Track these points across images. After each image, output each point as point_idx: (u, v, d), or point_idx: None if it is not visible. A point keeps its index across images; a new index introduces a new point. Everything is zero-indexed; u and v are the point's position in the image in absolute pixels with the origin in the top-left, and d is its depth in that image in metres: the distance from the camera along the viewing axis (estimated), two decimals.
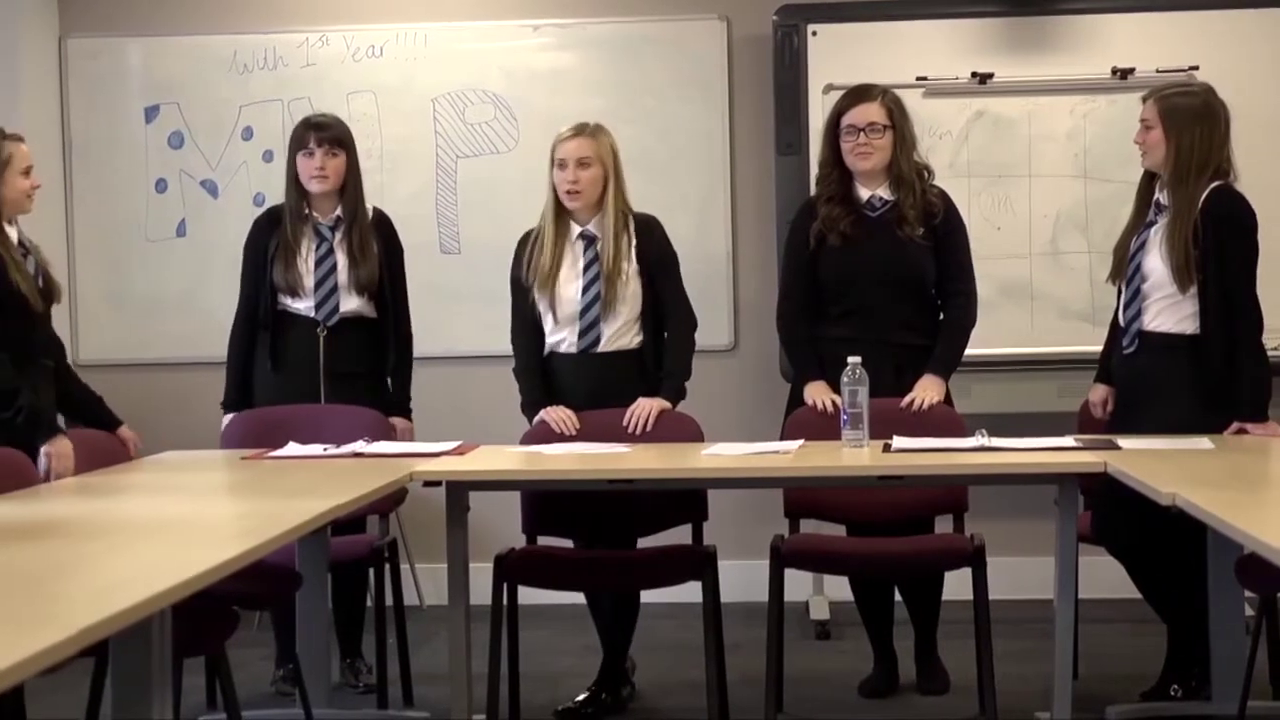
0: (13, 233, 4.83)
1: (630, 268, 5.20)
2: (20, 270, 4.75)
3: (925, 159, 5.34)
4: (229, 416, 5.45)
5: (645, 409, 5.11)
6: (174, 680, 3.64)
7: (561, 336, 5.21)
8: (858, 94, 5.24)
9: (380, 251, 5.48)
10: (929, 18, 6.62)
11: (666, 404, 5.16)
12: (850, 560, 5.18)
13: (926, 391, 5.09)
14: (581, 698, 5.18)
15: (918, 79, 6.49)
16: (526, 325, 5.27)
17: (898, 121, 5.20)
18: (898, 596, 5.36)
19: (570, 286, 5.19)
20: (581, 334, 5.19)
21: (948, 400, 5.19)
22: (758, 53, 6.81)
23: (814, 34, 6.62)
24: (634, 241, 5.23)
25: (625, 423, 5.08)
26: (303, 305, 5.41)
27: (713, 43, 6.89)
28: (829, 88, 6.37)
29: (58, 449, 4.68)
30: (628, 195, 5.27)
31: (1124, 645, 5.72)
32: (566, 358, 5.22)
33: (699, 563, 4.82)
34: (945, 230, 5.22)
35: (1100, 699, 4.99)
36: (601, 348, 5.20)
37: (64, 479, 4.54)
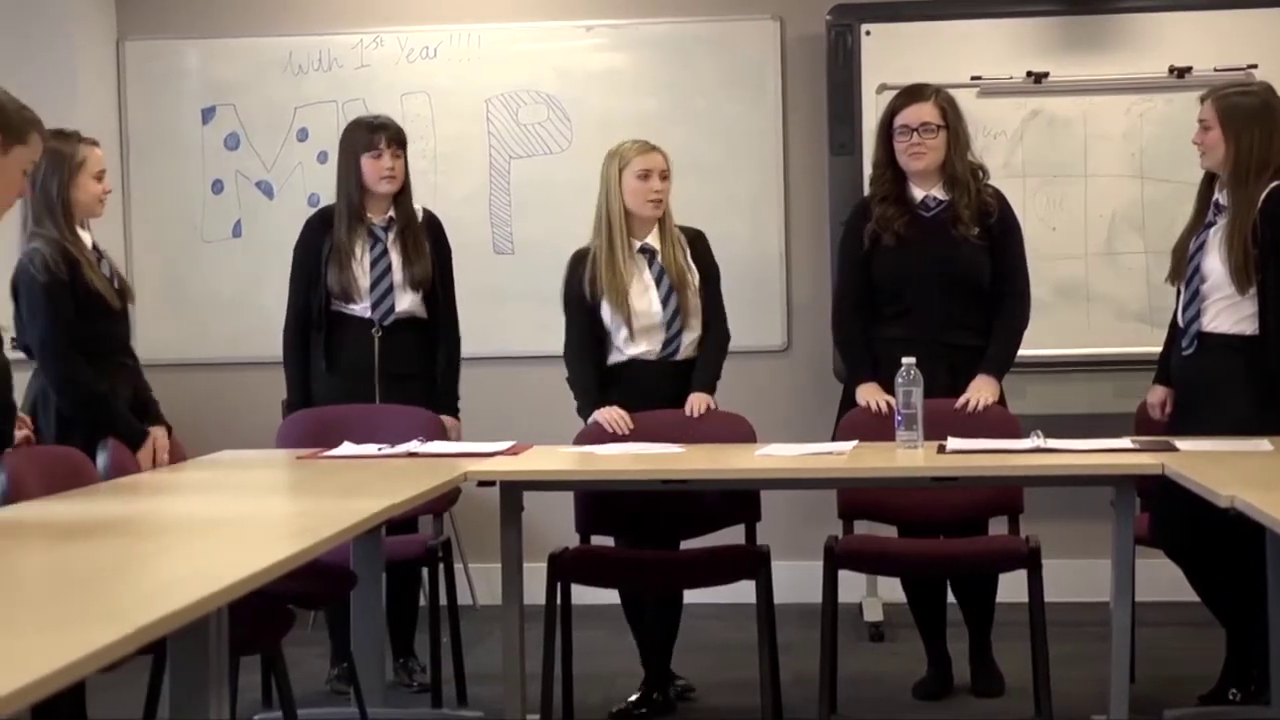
0: (86, 237, 4.87)
1: (695, 278, 5.24)
2: (95, 270, 4.78)
3: (980, 159, 5.31)
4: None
5: (702, 402, 5.12)
6: (230, 678, 3.66)
7: (642, 348, 5.23)
8: (911, 93, 5.23)
9: (431, 250, 5.50)
10: (984, 17, 6.58)
11: (710, 398, 5.19)
12: (905, 561, 5.17)
13: (981, 392, 5.07)
14: (634, 698, 5.17)
15: (972, 78, 6.46)
16: (586, 341, 5.26)
17: (951, 121, 5.18)
18: (951, 598, 5.34)
19: (644, 299, 5.21)
20: (665, 344, 5.23)
21: (1001, 401, 5.16)
22: (811, 53, 6.78)
23: (868, 33, 6.59)
24: (688, 252, 5.27)
25: (689, 409, 5.11)
26: (357, 308, 5.43)
27: (766, 43, 6.87)
28: (883, 88, 6.33)
29: (155, 441, 4.77)
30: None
31: (1181, 648, 5.68)
32: (649, 365, 5.24)
33: (753, 562, 4.81)
34: (1000, 230, 5.19)
35: (1157, 702, 4.95)
36: (679, 356, 5.26)
37: (123, 479, 4.56)
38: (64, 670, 2.14)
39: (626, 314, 5.19)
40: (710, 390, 5.22)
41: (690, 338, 5.25)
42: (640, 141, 5.27)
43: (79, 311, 4.74)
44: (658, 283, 5.23)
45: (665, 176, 5.22)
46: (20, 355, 4.73)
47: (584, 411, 5.22)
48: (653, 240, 5.25)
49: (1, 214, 3.75)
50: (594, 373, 5.25)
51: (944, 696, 5.29)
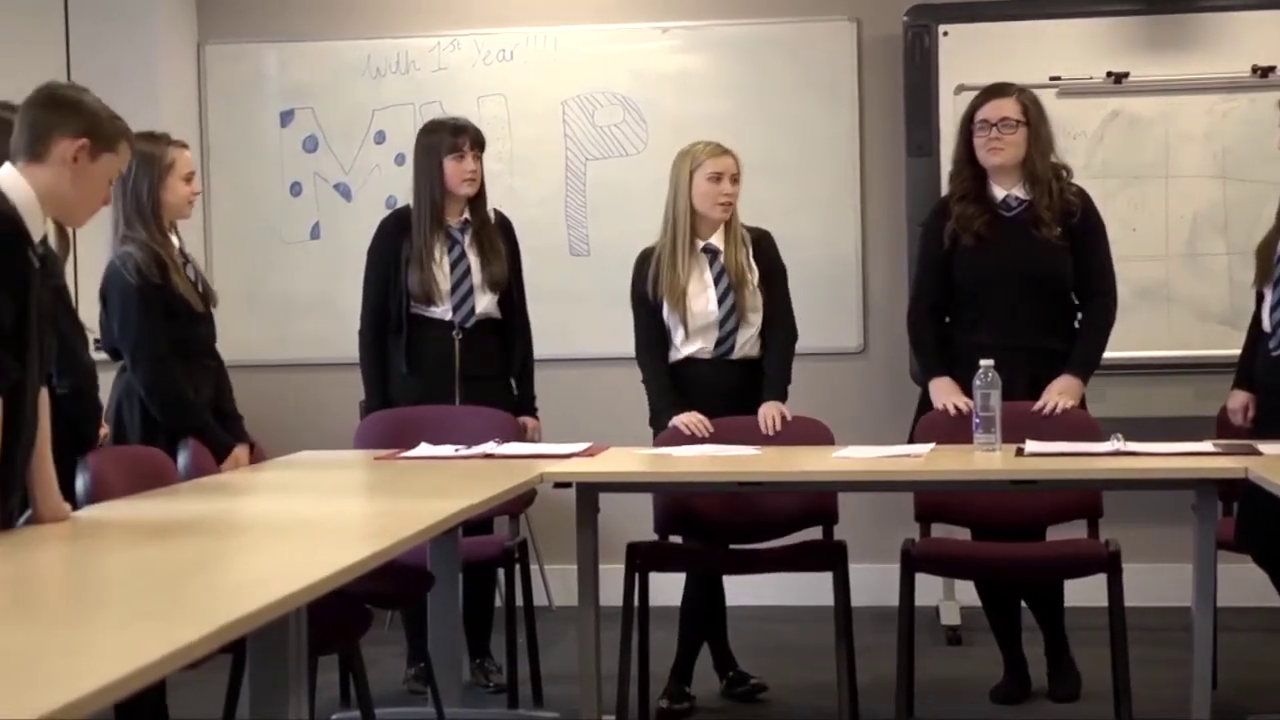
0: (173, 240, 4.91)
1: (755, 277, 5.23)
2: (180, 273, 4.82)
3: (1063, 160, 5.27)
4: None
5: (775, 412, 5.11)
6: (309, 678, 3.69)
7: (697, 346, 5.24)
8: (993, 90, 5.21)
9: (505, 251, 5.52)
10: (1063, 17, 6.53)
11: (784, 406, 5.15)
12: (983, 565, 5.14)
13: (1062, 395, 5.02)
14: (674, 705, 5.19)
15: (1051, 79, 6.40)
16: (653, 338, 5.29)
17: (1032, 119, 5.14)
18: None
19: (701, 298, 5.22)
20: (718, 343, 5.23)
21: (1083, 404, 5.11)
22: (888, 53, 6.76)
23: (945, 34, 6.56)
24: (751, 251, 5.26)
25: (763, 427, 5.08)
26: (438, 310, 5.44)
27: (842, 44, 6.85)
28: (960, 88, 6.31)
29: (238, 459, 4.82)
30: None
31: (1264, 654, 5.62)
32: (703, 363, 5.25)
33: (831, 554, 4.82)
34: (1084, 230, 5.15)
35: (1239, 709, 4.90)
36: (734, 356, 5.24)
37: (204, 479, 4.60)
38: (147, 668, 2.16)
39: (683, 312, 5.22)
40: (782, 397, 5.20)
41: (745, 336, 5.25)
42: (713, 144, 5.27)
43: (167, 315, 4.78)
44: (716, 282, 5.23)
45: (736, 180, 5.23)
46: (102, 356, 4.77)
47: (657, 407, 5.23)
48: (716, 240, 5.26)
49: (86, 220, 3.78)
50: (665, 369, 5.26)
51: (1022, 700, 5.25)
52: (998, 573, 5.17)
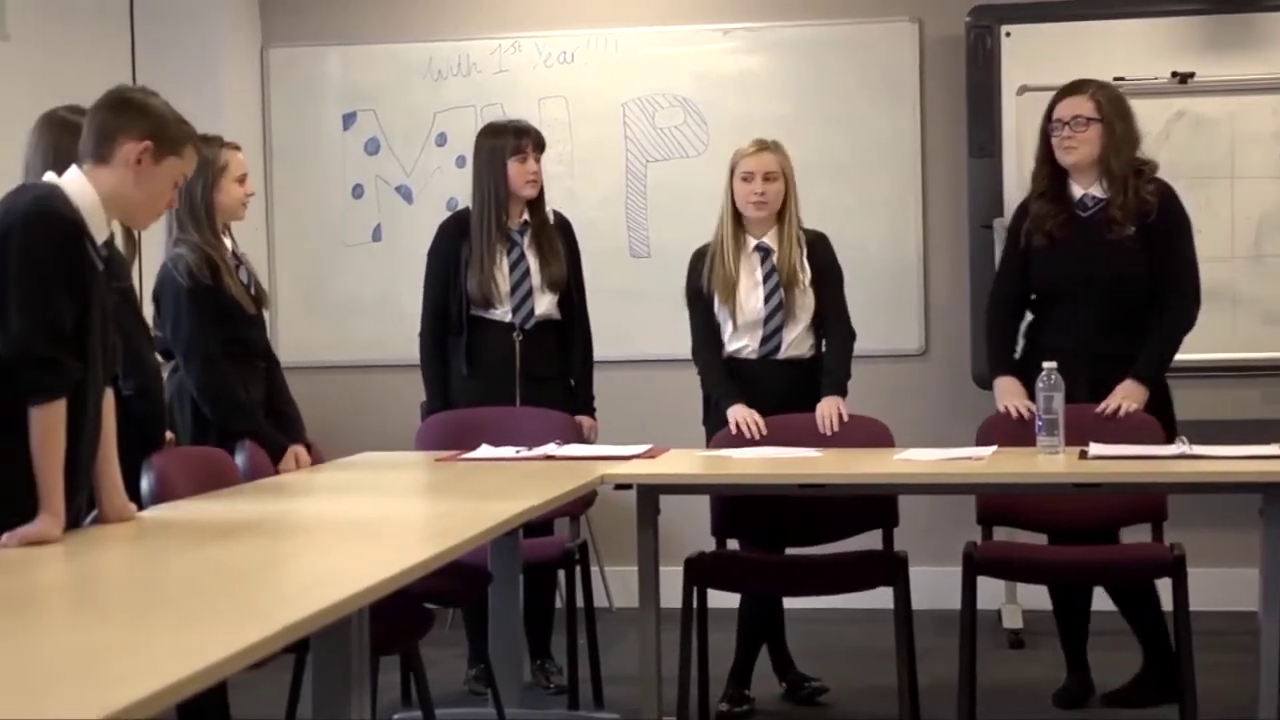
0: (227, 242, 4.93)
1: (806, 278, 5.22)
2: (233, 276, 4.85)
3: (1147, 157, 5.20)
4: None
5: (833, 409, 5.09)
6: (371, 678, 3.70)
7: (743, 343, 5.25)
8: (1068, 88, 5.19)
9: (564, 252, 5.53)
10: (1127, 16, 6.48)
11: (842, 401, 5.14)
12: (1046, 568, 5.10)
13: (1126, 398, 4.98)
14: (734, 708, 5.17)
15: (1115, 79, 6.28)
16: (708, 334, 5.30)
17: (1107, 115, 5.09)
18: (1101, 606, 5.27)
19: (751, 296, 5.22)
20: (764, 341, 5.23)
21: (1157, 408, 5.04)
22: (950, 54, 6.73)
23: (1008, 35, 6.53)
24: (805, 253, 5.24)
25: (820, 426, 5.06)
26: (498, 312, 5.46)
27: (904, 45, 6.83)
28: (1023, 89, 6.28)
29: (298, 458, 4.83)
30: (800, 209, 5.29)
31: None
32: (747, 363, 5.25)
33: (891, 568, 4.79)
34: (1161, 228, 5.07)
35: None
36: (780, 355, 5.23)
37: (266, 480, 4.62)
38: (211, 668, 2.17)
39: (731, 309, 5.23)
40: (840, 391, 5.19)
41: (791, 335, 5.24)
42: (755, 142, 5.28)
43: (219, 316, 4.80)
44: (765, 280, 5.23)
45: (770, 178, 5.21)
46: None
47: (714, 395, 5.24)
48: (769, 239, 5.25)
49: (149, 222, 3.81)
50: (721, 360, 5.27)
51: (1084, 704, 5.22)
52: (1061, 576, 5.13)
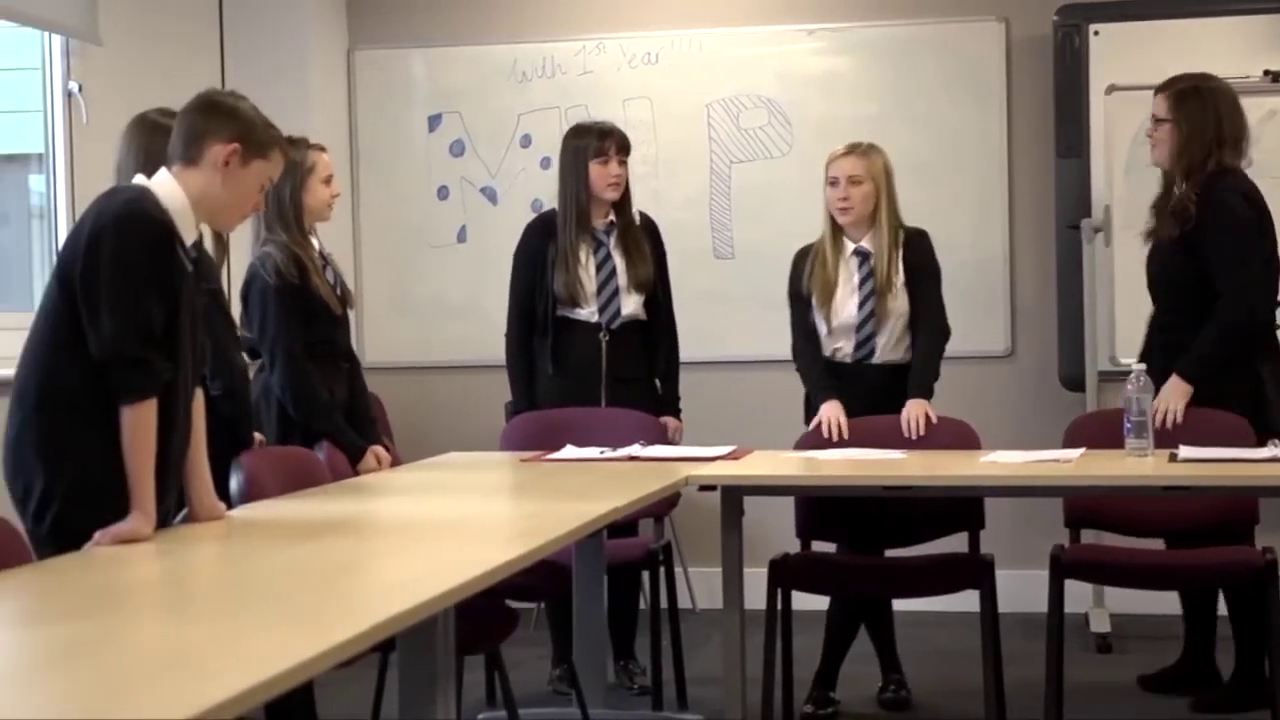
0: (314, 242, 4.97)
1: (899, 280, 5.20)
2: (319, 275, 4.88)
3: (1219, 153, 5.10)
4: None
5: (918, 412, 5.07)
6: (456, 677, 3.71)
7: (839, 345, 5.24)
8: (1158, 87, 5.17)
9: (650, 253, 5.54)
10: (1217, 14, 6.42)
11: (929, 405, 5.11)
12: (1135, 572, 5.05)
13: (1166, 401, 4.93)
14: (819, 710, 5.17)
15: None
16: (808, 333, 5.29)
17: (1176, 114, 5.05)
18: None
19: (847, 302, 5.21)
20: (858, 346, 5.22)
21: (1214, 401, 4.99)
22: (1037, 53, 6.69)
23: (1096, 33, 6.48)
24: (901, 254, 5.23)
25: (905, 430, 5.04)
26: (584, 312, 5.47)
27: (990, 44, 6.79)
28: (1111, 88, 6.23)
29: (378, 459, 4.87)
30: (900, 211, 5.26)
31: None
32: (843, 365, 5.24)
33: (977, 571, 4.76)
34: (1198, 228, 5.02)
35: None
36: (875, 359, 5.23)
37: (353, 480, 4.65)
38: (300, 666, 2.19)
39: (827, 313, 5.22)
40: (926, 394, 5.16)
41: (884, 341, 5.23)
42: (847, 145, 5.28)
43: (305, 316, 4.84)
44: (861, 285, 5.21)
45: (856, 182, 5.19)
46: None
47: (814, 387, 5.23)
48: (868, 243, 5.24)
49: (235, 224, 3.84)
50: (820, 356, 5.26)
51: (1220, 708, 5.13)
52: (1150, 580, 5.10)
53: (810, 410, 5.24)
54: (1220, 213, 5.07)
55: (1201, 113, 5.09)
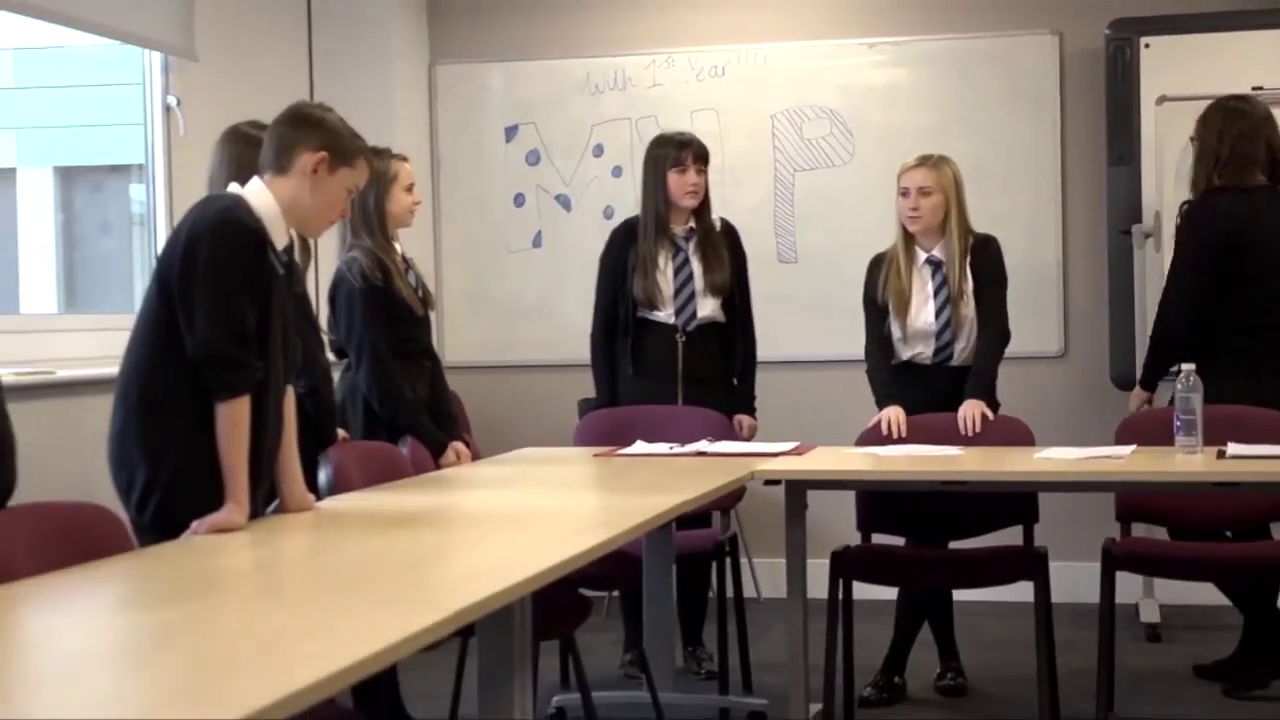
0: (396, 247, 4.99)
1: (969, 287, 5.17)
2: (402, 278, 4.91)
3: (1217, 172, 5.16)
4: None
5: (975, 411, 5.04)
6: (532, 661, 3.72)
7: (917, 350, 5.22)
8: None
9: (729, 258, 5.53)
10: (1266, 28, 6.32)
11: (985, 405, 5.09)
12: (1184, 564, 5.02)
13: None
14: (879, 694, 5.15)
15: (1253, 89, 6.22)
16: (880, 339, 5.26)
17: (1198, 133, 5.19)
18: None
19: (924, 309, 5.19)
20: (937, 351, 5.20)
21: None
22: (1090, 66, 6.64)
23: (1147, 46, 6.41)
24: (970, 260, 5.20)
25: (961, 428, 5.01)
26: (661, 314, 5.47)
27: (1045, 57, 6.75)
28: (1162, 99, 6.16)
29: (459, 454, 4.88)
30: (969, 221, 5.23)
31: None
32: (922, 367, 5.23)
33: (1031, 563, 4.73)
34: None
35: None
36: (954, 362, 5.21)
37: (434, 473, 4.66)
38: (387, 650, 2.21)
39: (903, 320, 5.19)
40: (983, 396, 5.12)
41: (962, 345, 5.20)
42: (918, 157, 5.25)
43: (389, 317, 4.86)
44: (936, 294, 5.19)
45: (925, 193, 5.16)
46: (332, 356, 4.86)
47: (881, 393, 5.20)
48: (939, 252, 5.21)
49: (322, 230, 3.86)
50: (887, 364, 5.23)
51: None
52: (1199, 573, 5.07)
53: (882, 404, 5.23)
54: (1184, 231, 5.18)
55: (1212, 132, 5.13)
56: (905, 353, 5.23)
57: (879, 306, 5.24)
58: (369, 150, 3.69)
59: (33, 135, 9.08)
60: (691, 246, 5.49)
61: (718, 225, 5.57)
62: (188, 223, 3.48)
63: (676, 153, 5.43)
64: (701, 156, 5.47)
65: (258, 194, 3.50)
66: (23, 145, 8.86)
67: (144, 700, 2.04)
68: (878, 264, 5.29)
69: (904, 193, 5.18)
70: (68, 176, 9.57)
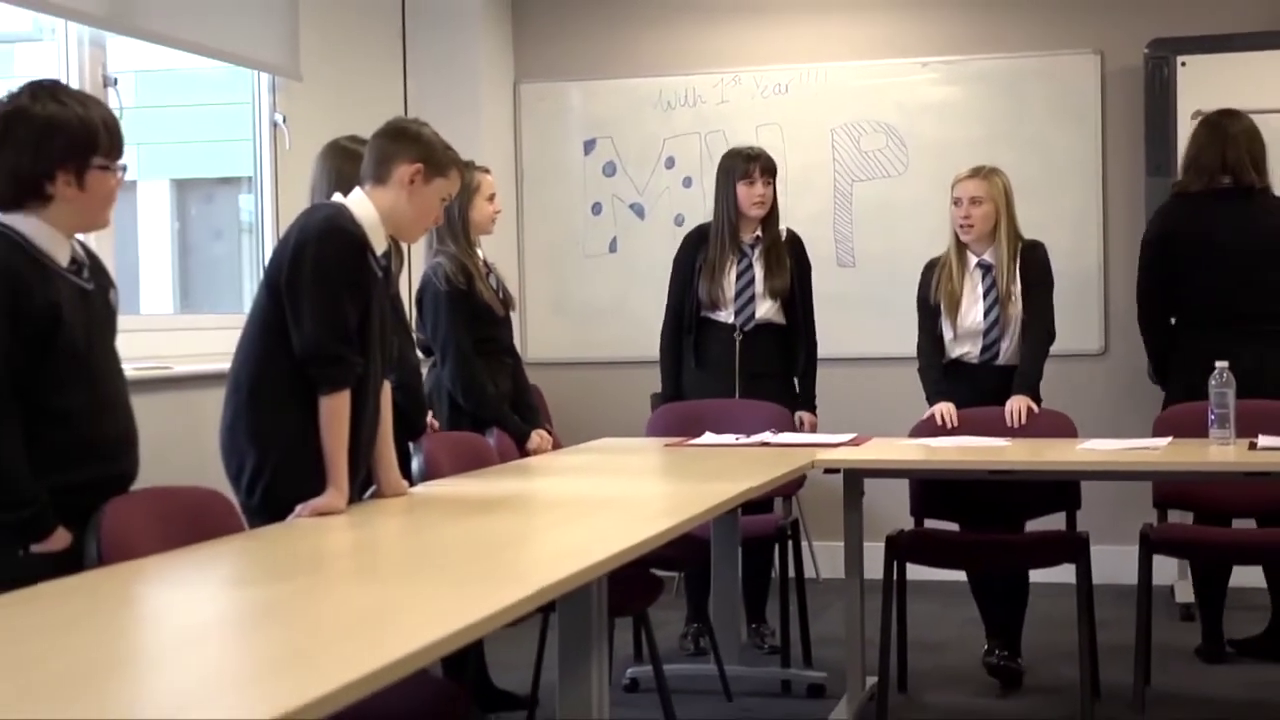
0: (479, 253, 5.01)
1: (1017, 290, 5.14)
2: (484, 281, 4.93)
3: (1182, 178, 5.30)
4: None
5: (1021, 405, 5.01)
6: (608, 636, 3.73)
7: (965, 349, 5.19)
8: None
9: (792, 265, 5.51)
10: None
11: (1031, 401, 5.05)
12: (1216, 548, 5.00)
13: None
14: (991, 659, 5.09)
15: None
16: (932, 339, 5.24)
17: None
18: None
19: (973, 310, 5.15)
20: (984, 350, 5.16)
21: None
22: (1130, 83, 6.59)
23: (1183, 64, 6.36)
24: (1019, 264, 5.16)
25: (1008, 421, 4.99)
26: (722, 315, 5.47)
27: (1087, 75, 6.69)
28: (1197, 113, 6.05)
29: (542, 442, 4.90)
30: (1019, 228, 5.19)
31: None
32: (969, 366, 5.19)
33: (1073, 547, 4.70)
34: None
35: None
36: (999, 361, 5.17)
37: (517, 461, 4.68)
38: (475, 624, 2.22)
39: (954, 320, 5.16)
40: (1028, 391, 5.08)
41: (1008, 345, 5.16)
42: (972, 169, 5.21)
43: (472, 317, 4.88)
44: (985, 295, 5.16)
45: (977, 202, 5.12)
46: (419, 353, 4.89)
47: (932, 390, 5.18)
48: (989, 257, 5.18)
49: (418, 237, 3.89)
50: (938, 363, 5.21)
51: (1218, 662, 5.19)
52: (1229, 555, 5.05)
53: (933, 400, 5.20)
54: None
55: (1191, 143, 5.26)
56: (954, 351, 5.20)
57: (931, 307, 5.21)
58: (461, 161, 3.71)
59: (152, 150, 9.18)
60: (757, 253, 5.48)
61: (784, 234, 5.56)
62: (295, 230, 3.51)
63: (745, 165, 5.43)
64: (769, 170, 5.46)
65: (359, 203, 3.53)
66: (143, 160, 8.95)
67: (253, 668, 2.07)
68: (931, 268, 5.26)
69: (956, 202, 5.15)
70: (183, 188, 9.67)
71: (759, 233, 5.49)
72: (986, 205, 5.12)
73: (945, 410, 5.05)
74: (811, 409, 5.53)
